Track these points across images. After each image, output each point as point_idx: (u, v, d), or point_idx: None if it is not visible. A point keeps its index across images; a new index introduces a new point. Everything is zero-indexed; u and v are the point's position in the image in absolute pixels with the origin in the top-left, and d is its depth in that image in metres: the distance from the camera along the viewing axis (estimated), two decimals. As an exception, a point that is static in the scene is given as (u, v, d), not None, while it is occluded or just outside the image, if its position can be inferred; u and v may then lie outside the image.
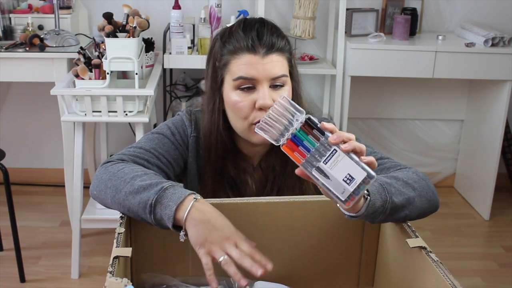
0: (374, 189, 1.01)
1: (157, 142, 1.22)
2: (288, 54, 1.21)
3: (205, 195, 1.25)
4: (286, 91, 1.18)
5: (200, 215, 0.98)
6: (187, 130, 1.27)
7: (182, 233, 0.98)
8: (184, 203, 0.99)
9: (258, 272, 0.94)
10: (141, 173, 1.08)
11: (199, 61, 2.57)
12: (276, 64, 1.16)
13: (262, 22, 1.20)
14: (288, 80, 1.20)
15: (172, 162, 1.23)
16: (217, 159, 1.24)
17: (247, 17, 1.26)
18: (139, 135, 2.26)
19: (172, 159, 1.23)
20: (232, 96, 1.17)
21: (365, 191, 0.98)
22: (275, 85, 1.17)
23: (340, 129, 2.76)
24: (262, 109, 1.15)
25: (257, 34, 1.16)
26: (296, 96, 1.24)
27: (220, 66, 1.19)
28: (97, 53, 2.34)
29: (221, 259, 0.94)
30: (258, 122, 1.15)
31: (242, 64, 1.15)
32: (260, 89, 1.15)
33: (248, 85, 1.16)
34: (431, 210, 1.13)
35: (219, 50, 1.20)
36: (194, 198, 1.00)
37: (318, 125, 0.89)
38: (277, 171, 1.27)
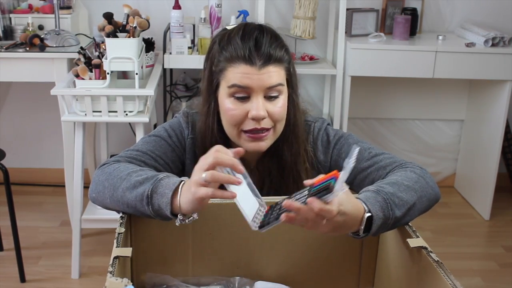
0: (377, 207, 0.99)
1: (154, 144, 1.23)
2: (286, 64, 1.19)
3: None
4: (281, 101, 1.17)
5: (187, 185, 0.99)
6: (184, 132, 1.27)
7: (179, 217, 0.99)
8: (177, 189, 0.99)
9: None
10: (136, 169, 1.09)
11: (199, 61, 2.53)
12: (273, 74, 1.15)
13: (261, 30, 1.17)
14: (284, 88, 1.18)
15: (170, 163, 1.24)
16: None
17: (248, 21, 1.23)
18: (139, 135, 2.26)
19: (169, 161, 1.23)
20: (226, 103, 1.17)
21: (368, 213, 0.98)
22: (270, 96, 1.16)
23: (340, 128, 2.77)
24: (255, 119, 1.15)
25: (255, 43, 1.14)
26: (292, 104, 1.23)
27: (216, 70, 1.19)
28: (97, 53, 2.34)
29: (203, 175, 0.94)
30: (249, 130, 1.16)
31: (237, 73, 1.14)
32: (254, 100, 1.15)
33: (243, 94, 1.15)
34: (431, 206, 1.13)
35: (216, 54, 1.19)
36: (183, 181, 1.01)
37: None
38: (274, 175, 1.27)
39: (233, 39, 1.16)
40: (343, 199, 0.92)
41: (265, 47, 1.14)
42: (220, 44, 1.19)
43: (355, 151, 0.88)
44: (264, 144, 1.19)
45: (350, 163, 0.86)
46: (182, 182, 1.00)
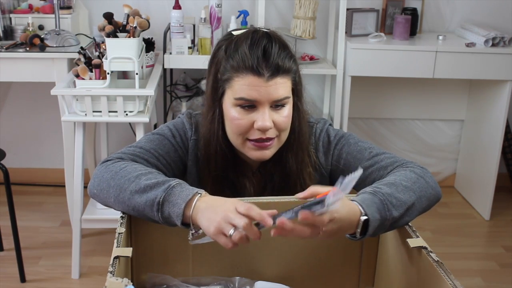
0: (373, 209, 1.00)
1: (157, 143, 1.22)
2: (293, 74, 1.17)
3: None
4: (287, 111, 1.17)
5: (204, 204, 0.99)
6: (187, 133, 1.26)
7: (190, 232, 0.99)
8: (191, 201, 0.99)
9: (268, 222, 0.93)
10: (144, 171, 1.08)
11: (199, 61, 2.57)
12: (280, 86, 1.13)
13: (270, 39, 1.15)
14: (289, 99, 1.18)
15: (172, 164, 1.23)
16: (216, 168, 1.24)
17: (256, 28, 1.19)
18: (139, 135, 2.26)
19: (171, 161, 1.23)
20: (231, 112, 1.16)
21: (364, 216, 0.98)
22: (276, 106, 1.15)
23: (341, 128, 2.78)
24: (260, 130, 1.14)
25: (264, 53, 1.12)
26: (297, 112, 1.22)
27: (222, 79, 1.16)
28: (97, 53, 2.34)
29: (231, 232, 0.93)
30: (254, 139, 1.16)
31: (244, 85, 1.12)
32: (260, 110, 1.14)
33: (249, 104, 1.14)
34: (432, 205, 1.13)
35: (222, 62, 1.16)
36: (199, 194, 1.01)
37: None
38: (276, 181, 1.27)
39: (241, 48, 1.14)
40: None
41: (274, 58, 1.12)
42: (226, 51, 1.16)
43: (358, 173, 0.88)
44: (269, 152, 1.19)
45: (349, 181, 0.87)
46: (198, 196, 1.00)
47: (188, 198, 0.99)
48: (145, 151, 1.19)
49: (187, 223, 1.00)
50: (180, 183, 1.04)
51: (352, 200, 1.01)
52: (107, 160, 1.14)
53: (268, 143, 1.17)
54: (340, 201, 0.90)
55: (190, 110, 1.32)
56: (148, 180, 1.04)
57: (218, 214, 0.96)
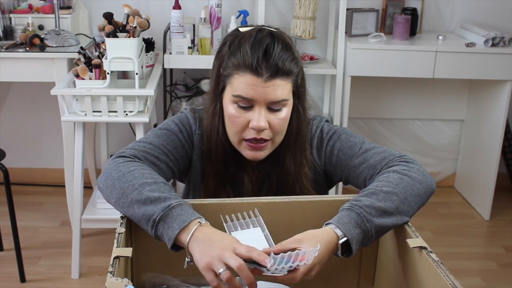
0: (351, 226, 1.00)
1: (166, 138, 1.22)
2: (294, 76, 1.16)
3: (207, 194, 1.25)
4: (284, 113, 1.17)
5: (202, 235, 0.97)
6: (192, 127, 1.27)
7: (187, 259, 0.98)
8: (188, 227, 0.98)
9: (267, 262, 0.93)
10: (150, 180, 1.06)
11: (199, 61, 2.57)
12: (278, 88, 1.13)
13: (273, 39, 1.14)
14: (288, 102, 1.17)
15: (179, 159, 1.24)
16: (218, 161, 1.24)
17: (262, 27, 1.20)
18: (139, 135, 2.26)
19: (179, 157, 1.24)
20: (229, 108, 1.17)
21: (343, 237, 1.00)
22: (273, 107, 1.15)
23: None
24: (255, 129, 1.15)
25: (265, 53, 1.12)
26: (297, 114, 1.22)
27: (223, 74, 1.17)
28: (97, 53, 2.34)
29: (220, 270, 0.92)
30: (250, 139, 1.16)
31: (243, 83, 1.13)
32: (256, 110, 1.14)
33: (246, 104, 1.14)
34: (426, 198, 1.13)
35: (225, 57, 1.17)
36: (199, 222, 0.99)
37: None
38: (273, 180, 1.27)
39: (243, 45, 1.14)
40: (308, 256, 0.95)
41: (274, 59, 1.12)
42: (230, 47, 1.17)
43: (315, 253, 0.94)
44: (263, 153, 1.20)
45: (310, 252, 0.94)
46: (197, 224, 0.98)
47: (184, 225, 0.97)
48: (154, 147, 1.19)
49: (178, 246, 0.99)
50: (181, 204, 1.01)
51: (329, 223, 1.02)
52: (120, 156, 1.14)
53: (262, 144, 1.17)
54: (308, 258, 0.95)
55: (192, 106, 1.33)
56: (150, 192, 1.03)
57: (213, 249, 0.94)
